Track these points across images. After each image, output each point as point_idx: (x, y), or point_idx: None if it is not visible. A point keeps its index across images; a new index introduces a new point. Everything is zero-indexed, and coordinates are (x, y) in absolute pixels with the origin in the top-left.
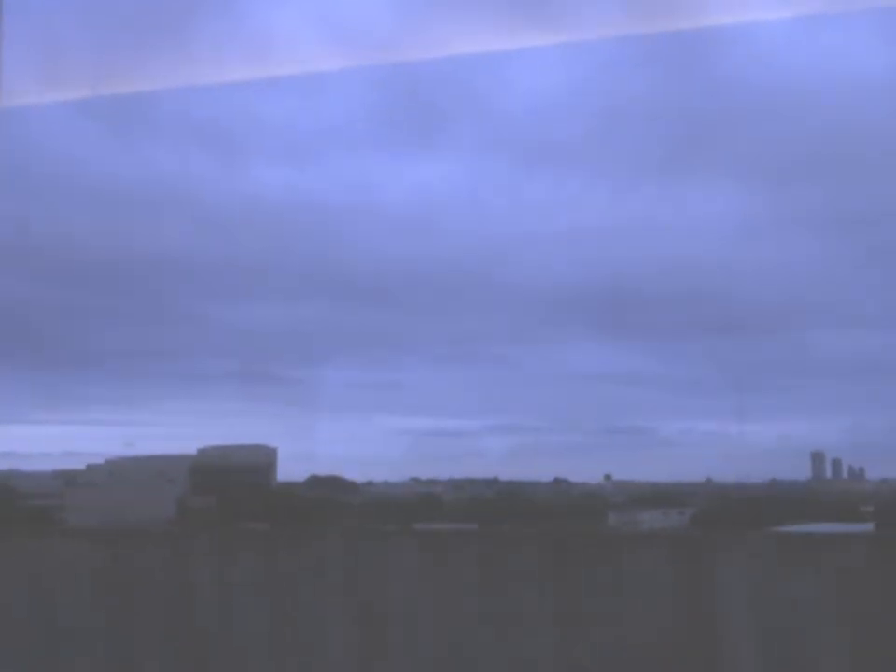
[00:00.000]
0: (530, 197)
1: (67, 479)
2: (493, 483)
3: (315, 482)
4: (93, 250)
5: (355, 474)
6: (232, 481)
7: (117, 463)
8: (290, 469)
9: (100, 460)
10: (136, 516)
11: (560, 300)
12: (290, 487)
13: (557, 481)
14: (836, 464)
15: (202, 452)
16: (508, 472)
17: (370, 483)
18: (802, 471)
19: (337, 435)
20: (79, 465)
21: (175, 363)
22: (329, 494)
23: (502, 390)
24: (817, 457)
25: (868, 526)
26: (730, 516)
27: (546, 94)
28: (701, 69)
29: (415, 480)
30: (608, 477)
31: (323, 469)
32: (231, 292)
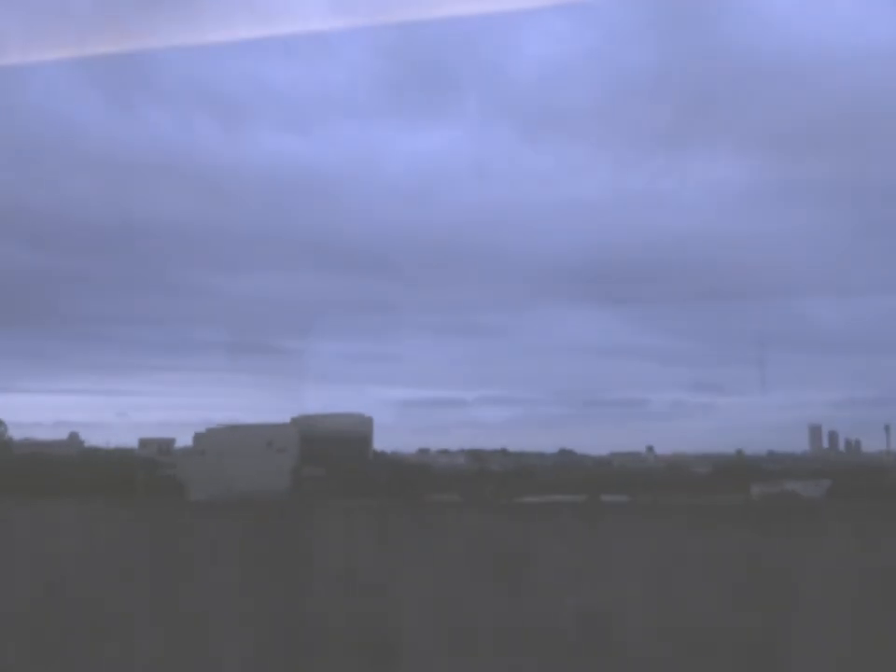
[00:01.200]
0: (534, 166)
1: (160, 448)
2: (502, 454)
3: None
4: (90, 217)
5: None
6: (338, 451)
7: (222, 432)
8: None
9: (195, 429)
10: (252, 486)
11: (560, 271)
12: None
13: (563, 451)
14: (833, 436)
15: (296, 421)
16: (513, 443)
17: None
18: (799, 443)
19: (334, 405)
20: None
21: (168, 332)
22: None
23: (499, 361)
24: (814, 430)
25: None
26: (874, 485)
27: (554, 61)
28: (711, 36)
29: (424, 451)
30: (650, 448)
31: None
32: (230, 261)
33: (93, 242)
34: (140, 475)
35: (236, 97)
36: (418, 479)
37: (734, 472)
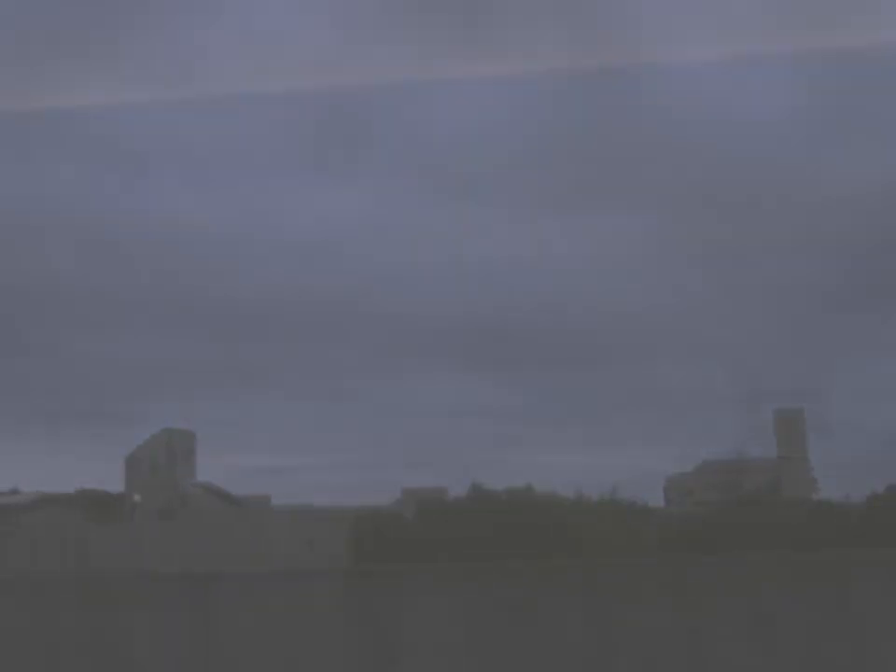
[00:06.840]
0: (433, 228)
1: None
2: None
3: None
4: None
5: None
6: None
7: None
8: None
9: None
10: None
11: (438, 332)
12: None
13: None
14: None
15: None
16: None
17: None
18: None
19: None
20: None
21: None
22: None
23: (354, 426)
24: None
25: None
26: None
27: (469, 126)
28: (618, 107)
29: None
30: None
31: None
32: (100, 323)
33: None
34: None
35: (146, 155)
36: None
37: None
